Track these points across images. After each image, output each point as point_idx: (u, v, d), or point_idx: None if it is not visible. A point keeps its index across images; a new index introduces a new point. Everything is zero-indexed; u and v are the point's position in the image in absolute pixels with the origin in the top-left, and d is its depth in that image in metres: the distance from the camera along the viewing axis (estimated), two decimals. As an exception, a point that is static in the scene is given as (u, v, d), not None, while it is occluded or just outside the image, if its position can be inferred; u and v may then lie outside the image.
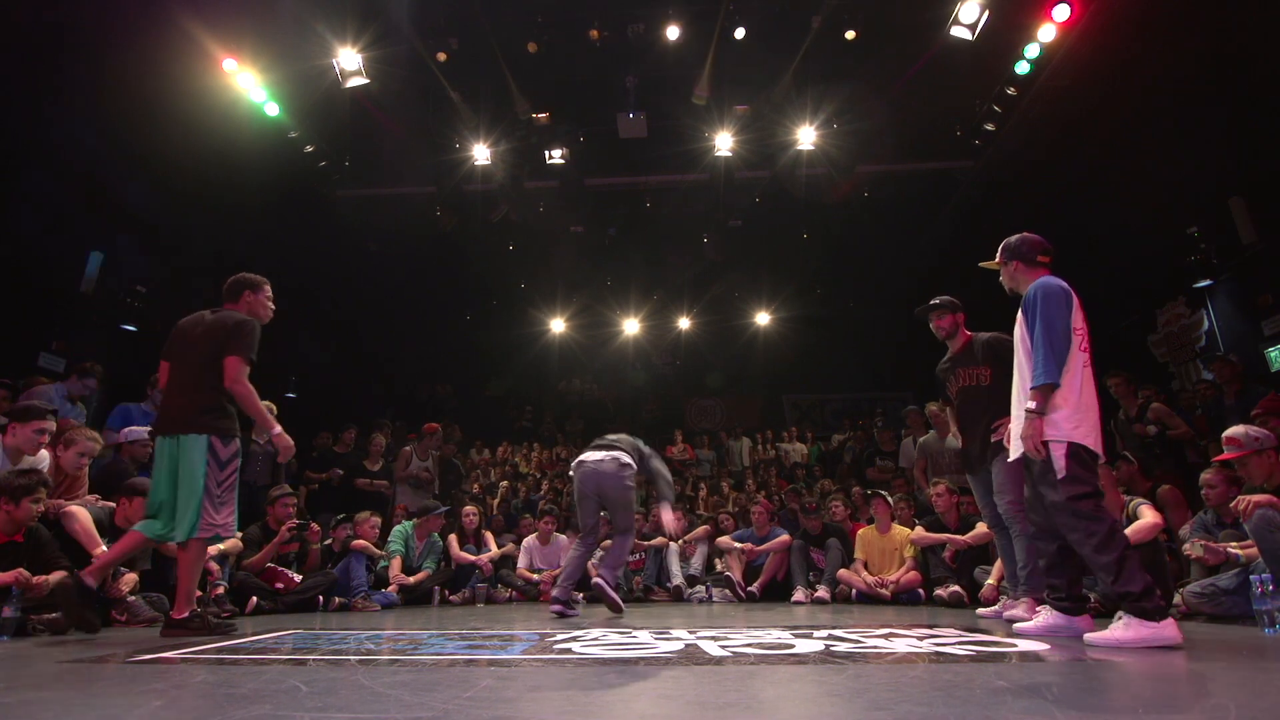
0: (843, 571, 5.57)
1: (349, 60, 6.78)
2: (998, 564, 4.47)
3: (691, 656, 2.34)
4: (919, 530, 5.42)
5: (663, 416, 12.94)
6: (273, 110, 7.03)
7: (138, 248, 7.40)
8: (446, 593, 6.16)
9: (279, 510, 5.34)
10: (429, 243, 9.88)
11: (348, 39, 6.66)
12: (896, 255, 10.58)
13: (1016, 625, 3.11)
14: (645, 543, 6.37)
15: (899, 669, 2.09)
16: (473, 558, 6.27)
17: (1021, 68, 6.73)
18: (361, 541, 5.80)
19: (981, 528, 4.75)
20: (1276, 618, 2.80)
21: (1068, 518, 2.67)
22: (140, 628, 3.66)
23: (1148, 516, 4.00)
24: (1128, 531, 3.77)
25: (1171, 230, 7.24)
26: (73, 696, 1.75)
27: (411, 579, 5.89)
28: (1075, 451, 2.68)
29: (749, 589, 5.89)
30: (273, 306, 3.64)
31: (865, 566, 5.54)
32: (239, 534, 4.86)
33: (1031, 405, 2.75)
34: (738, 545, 6.13)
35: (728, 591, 5.86)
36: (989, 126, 7.42)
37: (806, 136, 7.89)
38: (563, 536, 6.57)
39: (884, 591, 5.25)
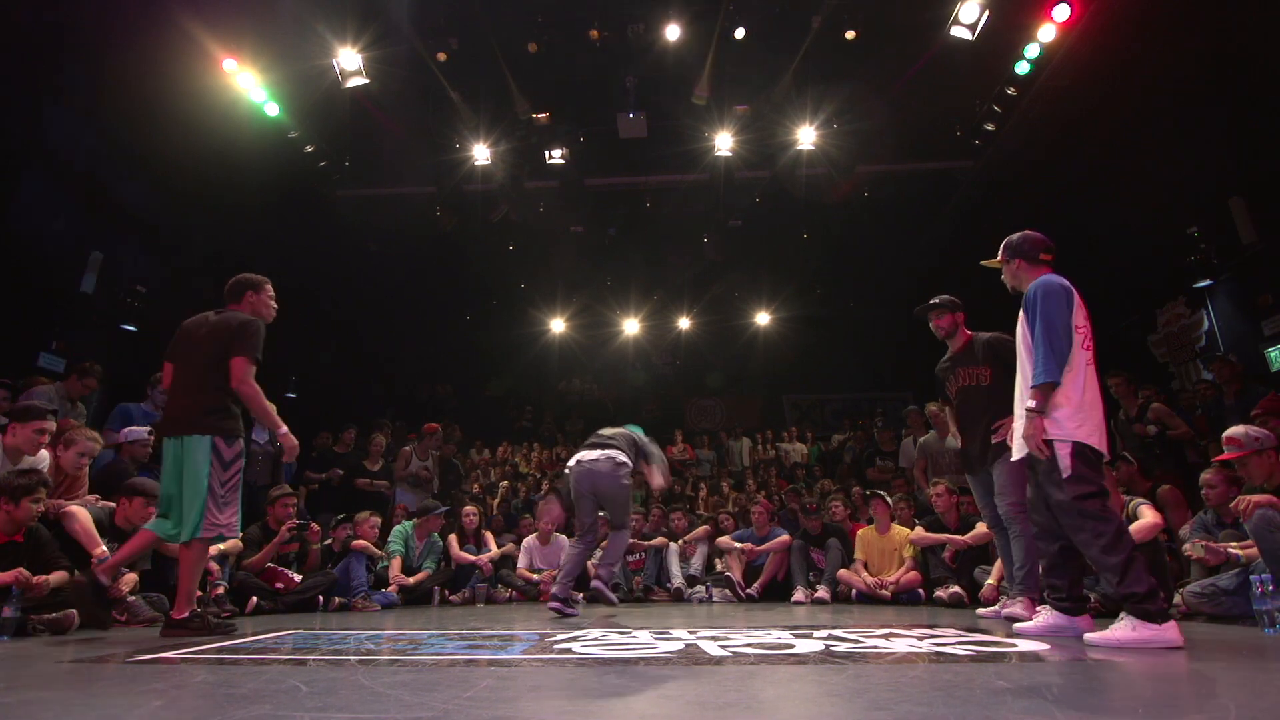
0: (843, 572, 5.57)
1: (349, 60, 6.79)
2: (998, 564, 4.47)
3: (691, 657, 2.34)
4: (919, 530, 5.42)
5: (663, 416, 12.90)
6: (273, 110, 7.03)
7: (138, 248, 7.40)
8: (446, 593, 6.16)
9: (279, 510, 5.34)
10: (429, 243, 9.88)
11: (348, 39, 6.66)
12: (896, 255, 10.58)
13: (1017, 625, 3.10)
14: (645, 543, 6.38)
15: (899, 669, 2.09)
16: (473, 558, 6.27)
17: (1021, 68, 6.73)
18: (361, 541, 5.80)
19: (981, 528, 4.75)
20: (1276, 618, 2.80)
21: (1074, 517, 2.66)
22: (140, 628, 3.65)
23: (1148, 516, 4.01)
24: (1127, 531, 3.77)
25: (1171, 230, 7.24)
26: (73, 696, 1.75)
27: (411, 579, 5.89)
28: (1080, 450, 2.66)
29: (749, 589, 5.89)
30: (275, 306, 3.63)
31: (865, 567, 5.54)
32: (239, 534, 4.86)
33: (1032, 404, 2.75)
34: (738, 545, 6.13)
35: (728, 591, 5.86)
36: (989, 126, 7.42)
37: (806, 136, 7.89)
38: (563, 536, 6.57)
39: (884, 592, 5.25)
